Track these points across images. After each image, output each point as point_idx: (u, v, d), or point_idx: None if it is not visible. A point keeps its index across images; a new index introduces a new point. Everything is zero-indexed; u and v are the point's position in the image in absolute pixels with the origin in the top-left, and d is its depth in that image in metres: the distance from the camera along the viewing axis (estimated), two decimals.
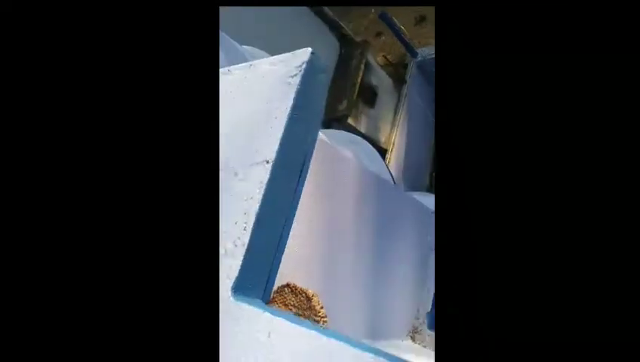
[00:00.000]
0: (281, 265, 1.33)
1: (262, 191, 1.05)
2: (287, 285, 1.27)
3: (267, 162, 1.07)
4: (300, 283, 1.29)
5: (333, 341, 0.78)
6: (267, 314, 0.91)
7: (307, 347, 0.81)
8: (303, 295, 1.23)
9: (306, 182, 1.18)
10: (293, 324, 0.86)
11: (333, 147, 1.92)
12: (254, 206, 1.05)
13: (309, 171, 1.19)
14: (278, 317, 0.89)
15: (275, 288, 1.28)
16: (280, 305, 1.26)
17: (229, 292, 1.00)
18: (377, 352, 0.69)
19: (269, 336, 0.88)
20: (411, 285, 2.30)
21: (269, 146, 1.07)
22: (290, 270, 1.45)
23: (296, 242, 1.51)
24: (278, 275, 1.28)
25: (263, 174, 1.06)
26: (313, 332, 0.81)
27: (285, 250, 1.24)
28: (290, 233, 1.23)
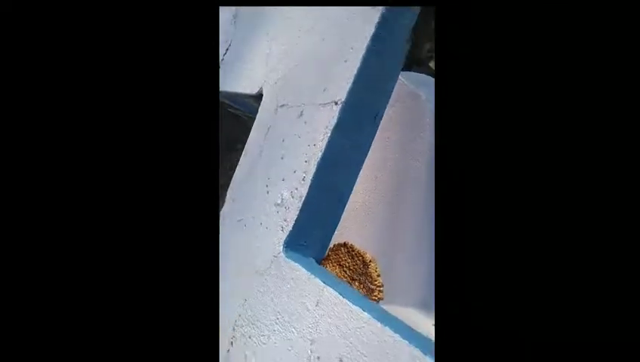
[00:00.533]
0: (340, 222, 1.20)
1: (326, 138, 0.89)
2: (345, 244, 1.14)
3: (336, 103, 0.90)
4: (358, 243, 1.16)
5: (388, 332, 0.64)
6: (318, 282, 0.79)
7: (357, 332, 0.69)
8: (360, 258, 1.10)
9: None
10: (346, 301, 0.73)
11: (412, 90, 1.66)
12: (317, 154, 0.90)
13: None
14: (329, 287, 0.77)
15: (331, 245, 1.17)
16: (334, 264, 1.15)
17: (281, 247, 0.90)
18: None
19: (316, 305, 0.78)
20: None
21: (340, 84, 0.89)
22: (349, 227, 1.32)
23: (359, 198, 1.36)
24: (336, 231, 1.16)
25: (330, 118, 0.89)
26: (366, 316, 0.68)
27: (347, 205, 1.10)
28: (354, 187, 1.07)
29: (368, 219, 1.39)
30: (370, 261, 1.10)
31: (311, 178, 0.89)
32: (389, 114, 1.12)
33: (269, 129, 1.09)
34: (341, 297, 0.74)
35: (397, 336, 0.63)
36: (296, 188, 0.92)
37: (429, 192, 1.62)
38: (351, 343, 0.69)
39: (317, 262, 1.04)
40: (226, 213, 1.14)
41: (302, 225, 0.90)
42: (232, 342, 0.94)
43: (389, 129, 1.52)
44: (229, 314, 0.97)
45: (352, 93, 0.88)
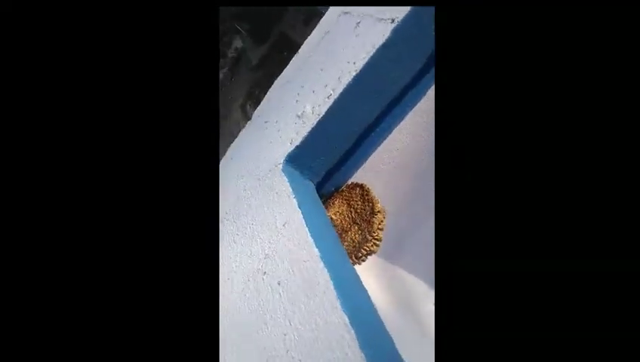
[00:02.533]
0: (370, 167, 1.11)
1: (367, 58, 0.77)
2: (361, 186, 1.06)
3: (392, 21, 0.75)
4: (377, 193, 1.06)
5: (325, 277, 0.58)
6: (294, 203, 0.75)
7: (302, 265, 0.64)
8: (370, 205, 1.02)
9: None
10: (306, 230, 0.68)
11: None
12: (351, 73, 0.79)
13: None
14: (300, 213, 0.72)
15: (349, 182, 1.09)
16: (343, 201, 1.08)
17: (282, 159, 0.86)
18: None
19: (283, 225, 0.74)
20: None
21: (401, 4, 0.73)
22: (373, 175, 1.22)
23: (396, 146, 1.20)
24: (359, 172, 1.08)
25: (380, 35, 0.76)
26: (314, 252, 0.63)
27: (377, 149, 1.00)
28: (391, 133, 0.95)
29: (394, 172, 1.25)
30: (378, 211, 1.01)
31: (336, 97, 0.80)
32: None
33: (326, 33, 0.98)
34: (304, 225, 0.68)
35: (330, 285, 0.57)
36: (319, 105, 0.84)
37: None
38: (293, 272, 0.65)
39: (322, 191, 0.99)
40: (258, 111, 1.11)
41: (309, 143, 0.83)
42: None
43: None
44: (223, 205, 0.99)
45: (410, 16, 0.72)
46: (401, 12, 0.74)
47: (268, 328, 0.63)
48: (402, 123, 0.93)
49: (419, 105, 0.87)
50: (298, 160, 0.86)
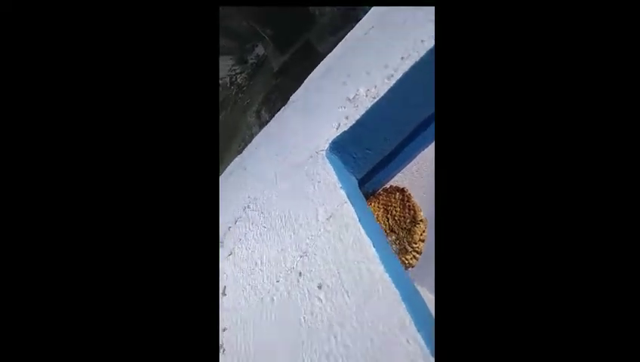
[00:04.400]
0: (412, 170, 0.99)
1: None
2: (402, 191, 0.94)
3: None
4: (419, 201, 0.94)
5: (387, 281, 0.45)
6: (342, 194, 0.62)
7: (352, 266, 0.51)
8: (412, 213, 0.89)
9: None
10: (360, 226, 0.55)
11: None
12: (419, 52, 0.68)
13: None
14: (350, 205, 0.60)
15: (387, 185, 0.97)
16: (380, 206, 0.96)
17: (327, 145, 0.74)
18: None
19: (327, 219, 0.61)
20: None
21: None
22: (416, 180, 1.10)
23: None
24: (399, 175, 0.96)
25: None
26: (372, 253, 0.50)
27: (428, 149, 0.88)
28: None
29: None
30: (421, 220, 0.88)
31: (399, 77, 0.68)
32: None
33: (382, 16, 0.88)
34: (357, 220, 0.56)
35: (396, 292, 0.44)
36: (375, 87, 0.72)
37: None
38: (339, 273, 0.52)
39: (361, 188, 0.86)
40: (295, 96, 1.00)
41: (359, 129, 0.72)
42: (236, 221, 0.84)
43: None
44: (249, 193, 0.87)
45: None
46: None
47: (303, 344, 0.50)
48: None
49: None
50: (343, 148, 0.74)
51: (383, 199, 0.95)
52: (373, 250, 0.50)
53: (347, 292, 0.50)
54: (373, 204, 0.95)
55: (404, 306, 0.43)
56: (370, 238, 0.52)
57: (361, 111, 0.72)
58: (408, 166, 0.94)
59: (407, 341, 0.41)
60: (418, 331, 0.41)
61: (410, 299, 0.44)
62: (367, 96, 0.73)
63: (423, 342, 0.40)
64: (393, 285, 0.45)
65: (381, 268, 0.48)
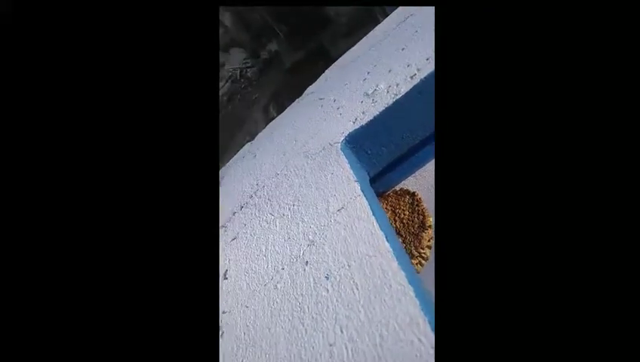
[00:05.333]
0: (424, 174, 0.98)
1: None
2: (413, 194, 0.92)
3: None
4: (429, 207, 0.92)
5: (401, 277, 0.44)
6: (356, 187, 0.61)
7: (363, 260, 0.50)
8: (421, 217, 0.88)
9: None
10: (374, 220, 0.54)
11: None
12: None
13: None
14: (364, 198, 0.58)
15: (398, 188, 0.96)
16: (388, 208, 0.95)
17: (342, 137, 0.72)
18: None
19: (338, 210, 0.60)
20: None
21: None
22: (429, 185, 1.08)
23: None
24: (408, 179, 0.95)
25: None
26: (386, 247, 0.48)
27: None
28: None
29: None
30: (429, 226, 0.87)
31: (422, 77, 0.67)
32: None
33: (407, 18, 0.87)
34: (371, 214, 0.54)
35: (410, 289, 0.43)
36: (397, 84, 0.71)
37: None
38: (349, 266, 0.51)
39: (371, 186, 0.85)
40: (312, 88, 0.99)
41: (377, 125, 0.70)
42: (242, 207, 0.82)
43: None
44: (257, 180, 0.85)
45: None
46: None
47: (306, 333, 0.48)
48: None
49: None
50: (359, 142, 0.73)
51: (392, 201, 0.93)
52: (387, 244, 0.49)
53: (357, 285, 0.48)
54: (381, 204, 0.94)
55: (417, 304, 0.41)
56: (384, 233, 0.51)
57: (380, 107, 0.70)
58: (421, 170, 0.93)
59: (420, 340, 0.39)
60: (432, 331, 0.39)
61: (423, 297, 0.42)
62: (387, 92, 0.72)
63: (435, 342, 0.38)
64: (407, 281, 0.44)
65: (395, 263, 0.46)
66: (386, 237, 0.50)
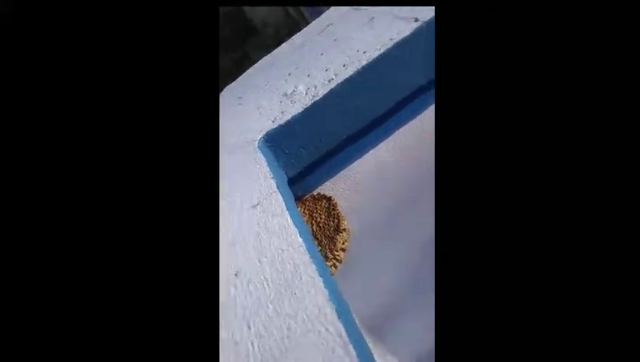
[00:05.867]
0: (341, 179, 1.00)
1: (382, 50, 0.69)
2: (329, 199, 0.94)
3: (416, 20, 0.69)
4: (345, 212, 0.95)
5: (312, 271, 0.44)
6: (272, 184, 0.60)
7: (274, 254, 0.49)
8: (336, 221, 0.90)
9: None
10: (288, 216, 0.53)
11: None
12: (361, 62, 0.70)
13: None
14: (279, 195, 0.57)
15: (315, 193, 0.97)
16: (306, 212, 0.95)
17: (260, 135, 0.71)
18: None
19: (253, 206, 0.58)
20: None
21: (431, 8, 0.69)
22: (346, 188, 1.11)
23: (377, 164, 1.10)
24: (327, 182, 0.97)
25: (400, 31, 0.69)
26: (298, 242, 0.48)
27: (366, 158, 0.90)
28: (388, 143, 0.87)
29: (378, 193, 1.16)
30: (344, 229, 0.89)
31: (339, 82, 0.70)
32: None
33: (328, 26, 0.91)
34: (285, 209, 0.54)
35: (319, 281, 0.43)
36: (315, 87, 0.73)
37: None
38: (259, 262, 0.49)
39: (290, 188, 0.85)
40: (230, 88, 0.97)
41: (295, 125, 0.71)
42: None
43: None
44: None
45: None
46: (426, 14, 0.69)
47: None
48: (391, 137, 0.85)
49: (418, 120, 0.81)
50: (277, 141, 0.72)
51: (309, 205, 0.94)
52: (300, 239, 0.48)
53: (267, 280, 0.47)
54: (299, 208, 0.94)
55: (326, 294, 0.41)
56: (298, 228, 0.50)
57: (299, 108, 0.71)
58: (337, 176, 0.96)
59: (327, 329, 0.39)
60: (338, 318, 0.39)
61: (331, 288, 0.43)
62: (306, 94, 0.73)
63: (343, 330, 0.38)
64: (317, 273, 0.44)
65: (306, 257, 0.46)
66: (299, 233, 0.49)
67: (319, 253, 0.52)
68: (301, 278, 0.44)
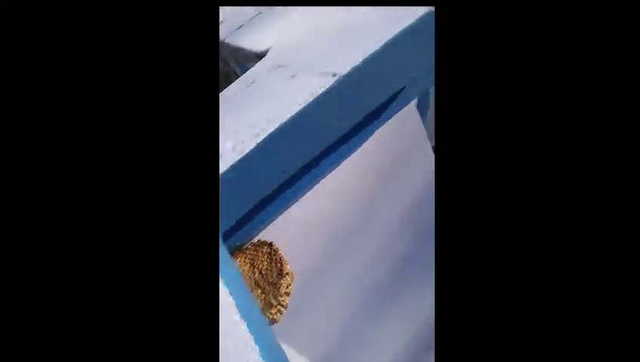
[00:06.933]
0: (279, 224, 1.03)
1: (303, 106, 0.75)
2: (270, 245, 0.96)
3: (334, 75, 0.76)
4: (288, 257, 0.97)
5: (243, 327, 0.45)
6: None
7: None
8: (278, 266, 0.92)
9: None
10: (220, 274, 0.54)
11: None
12: (284, 116, 0.75)
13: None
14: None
15: (255, 240, 0.98)
16: (247, 261, 0.96)
17: None
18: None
19: None
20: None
21: (350, 58, 0.76)
22: (285, 234, 1.14)
23: (313, 207, 1.14)
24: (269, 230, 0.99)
25: (319, 87, 0.76)
26: (230, 302, 0.49)
27: (296, 204, 0.94)
28: (313, 188, 0.92)
29: (311, 237, 1.19)
30: (286, 273, 0.91)
31: (263, 137, 0.74)
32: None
33: (254, 82, 0.96)
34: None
35: (250, 339, 0.44)
36: (243, 142, 0.76)
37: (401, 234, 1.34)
38: None
39: (228, 241, 0.86)
40: None
41: (225, 184, 0.73)
42: None
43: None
44: None
45: (356, 71, 0.75)
46: (344, 67, 0.76)
47: None
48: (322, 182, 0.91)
49: (344, 166, 0.87)
50: None
51: (250, 253, 0.95)
52: (230, 298, 0.50)
53: None
54: (240, 258, 0.95)
55: (257, 351, 0.43)
56: (227, 283, 0.52)
57: (227, 164, 0.74)
58: (276, 221, 0.98)
59: None
60: None
61: (262, 343, 0.44)
62: (234, 150, 0.76)
63: None
64: (248, 331, 0.45)
65: (237, 316, 0.48)
66: (229, 290, 0.51)
67: (255, 307, 0.54)
68: (232, 339, 0.45)
